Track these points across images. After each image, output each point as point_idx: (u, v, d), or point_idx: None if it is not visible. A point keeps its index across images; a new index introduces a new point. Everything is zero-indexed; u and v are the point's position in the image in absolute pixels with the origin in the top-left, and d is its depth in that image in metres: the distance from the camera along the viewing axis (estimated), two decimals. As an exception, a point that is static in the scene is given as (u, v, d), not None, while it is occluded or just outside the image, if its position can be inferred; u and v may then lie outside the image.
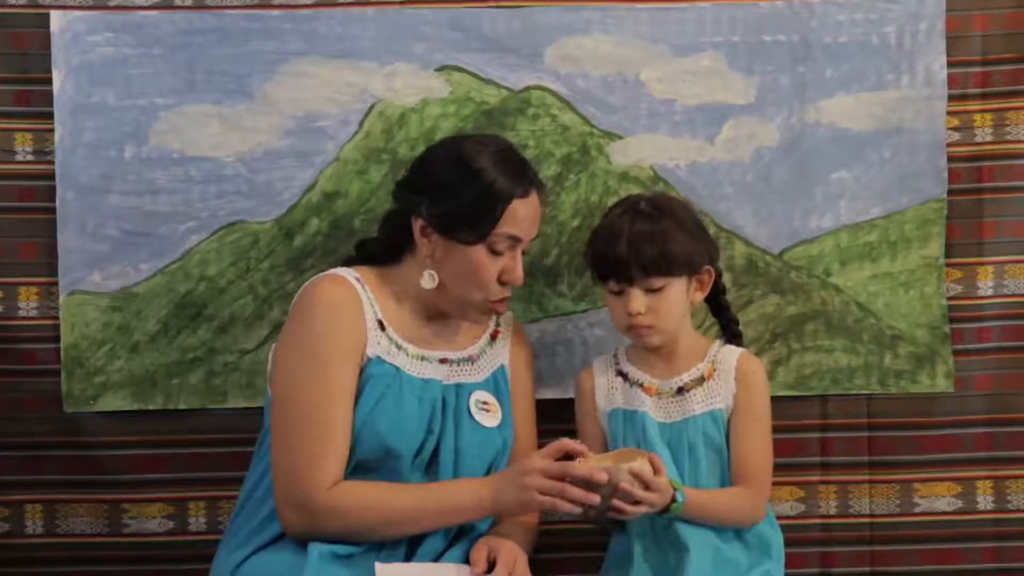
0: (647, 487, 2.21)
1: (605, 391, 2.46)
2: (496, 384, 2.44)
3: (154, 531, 2.70)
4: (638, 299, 2.35)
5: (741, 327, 2.54)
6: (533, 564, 2.64)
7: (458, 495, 2.27)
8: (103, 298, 2.67)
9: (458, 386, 2.39)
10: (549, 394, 2.67)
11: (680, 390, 2.41)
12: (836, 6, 2.67)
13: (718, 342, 2.47)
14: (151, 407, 2.67)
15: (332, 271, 2.38)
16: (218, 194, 2.67)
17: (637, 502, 2.21)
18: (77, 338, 2.66)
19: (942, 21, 2.66)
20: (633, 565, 2.34)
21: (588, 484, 2.19)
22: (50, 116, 2.65)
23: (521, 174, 2.34)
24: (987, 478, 2.71)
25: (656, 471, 2.23)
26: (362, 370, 2.31)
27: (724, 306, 2.51)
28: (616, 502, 2.20)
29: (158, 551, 2.69)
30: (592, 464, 2.22)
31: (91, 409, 2.67)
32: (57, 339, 2.66)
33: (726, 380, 2.40)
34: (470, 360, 2.43)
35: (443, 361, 2.39)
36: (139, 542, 2.70)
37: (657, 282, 2.34)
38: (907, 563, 2.71)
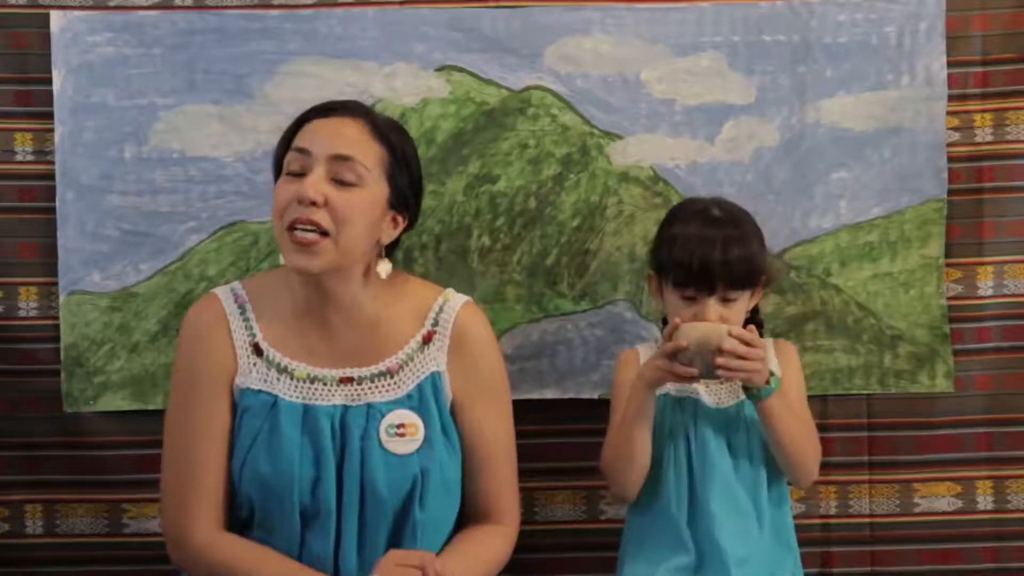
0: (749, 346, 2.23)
1: None
2: (421, 397, 2.21)
3: (154, 531, 2.69)
4: (713, 308, 2.32)
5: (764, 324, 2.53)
6: (533, 564, 2.65)
7: None
8: (103, 298, 2.67)
9: (369, 407, 2.18)
10: (549, 394, 2.67)
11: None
12: (836, 6, 2.67)
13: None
14: (151, 407, 2.67)
15: (215, 289, 2.29)
16: (218, 194, 2.67)
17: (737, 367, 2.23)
18: (77, 338, 2.66)
19: (942, 21, 2.66)
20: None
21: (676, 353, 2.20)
22: (50, 116, 2.65)
23: (326, 105, 2.23)
24: (987, 478, 2.71)
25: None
26: (236, 403, 2.19)
27: (756, 309, 2.49)
28: (721, 360, 2.21)
29: (158, 551, 2.67)
30: (686, 329, 2.23)
31: (91, 409, 2.67)
32: (57, 339, 2.66)
33: (771, 362, 2.39)
34: (387, 374, 2.21)
35: (346, 380, 2.20)
36: (139, 542, 2.70)
37: (734, 294, 2.33)
38: (907, 563, 2.71)
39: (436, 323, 2.26)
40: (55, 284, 2.66)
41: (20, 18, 2.64)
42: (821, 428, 2.67)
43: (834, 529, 2.72)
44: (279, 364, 2.21)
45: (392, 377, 2.22)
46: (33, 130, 2.67)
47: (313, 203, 2.12)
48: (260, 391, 2.18)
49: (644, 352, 2.45)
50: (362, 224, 2.16)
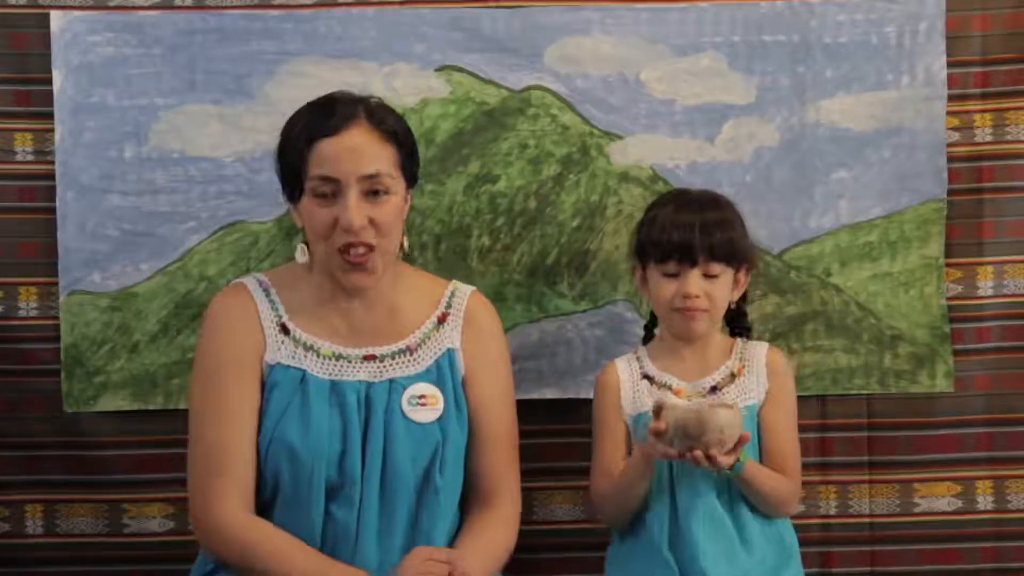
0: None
1: (630, 393, 2.42)
2: (439, 372, 2.30)
3: (154, 531, 2.70)
4: (696, 280, 2.34)
5: (752, 328, 2.53)
6: (533, 564, 2.65)
7: None
8: (103, 298, 2.67)
9: (391, 382, 2.27)
10: (549, 394, 2.68)
11: (713, 389, 2.39)
12: (836, 6, 2.67)
13: (740, 339, 2.46)
14: (151, 407, 2.67)
15: (237, 279, 2.37)
16: (218, 194, 2.67)
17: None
18: (77, 338, 2.66)
19: (942, 21, 2.66)
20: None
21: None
22: (50, 116, 2.65)
23: (327, 116, 2.23)
24: (987, 478, 2.71)
25: None
26: (265, 380, 2.26)
27: (742, 311, 2.49)
28: (696, 453, 2.19)
29: (158, 551, 2.69)
30: (667, 411, 2.22)
31: (91, 409, 2.67)
32: (57, 339, 2.66)
33: (758, 375, 2.39)
34: (407, 351, 2.30)
35: (369, 358, 2.29)
36: (139, 542, 2.70)
37: (716, 268, 2.34)
38: (907, 563, 2.71)
39: (449, 306, 2.36)
40: (55, 284, 2.66)
41: (20, 18, 2.64)
42: (821, 428, 2.69)
43: (834, 529, 2.71)
44: (305, 343, 2.28)
45: (412, 354, 2.30)
46: (33, 130, 2.67)
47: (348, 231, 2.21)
48: (289, 366, 2.26)
49: (621, 365, 2.45)
50: (398, 227, 2.28)
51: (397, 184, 2.25)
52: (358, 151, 2.22)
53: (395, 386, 2.27)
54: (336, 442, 2.22)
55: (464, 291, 2.38)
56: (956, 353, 2.69)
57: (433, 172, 2.66)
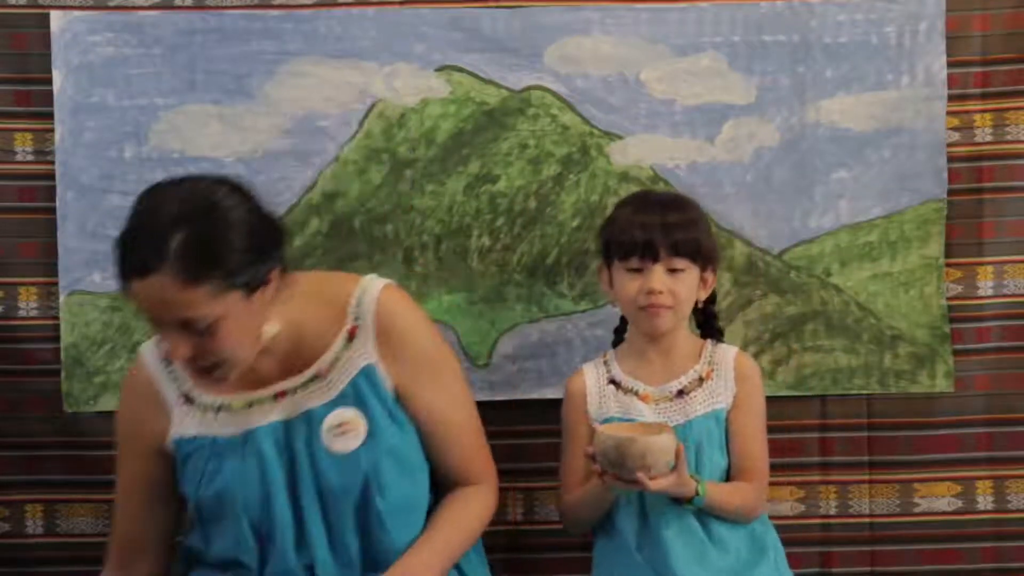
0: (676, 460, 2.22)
1: (596, 399, 2.42)
2: (356, 393, 2.17)
3: (154, 531, 2.70)
4: (659, 276, 2.34)
5: (724, 331, 2.53)
6: (533, 564, 2.65)
7: None
8: (103, 298, 2.67)
9: (307, 414, 2.16)
10: (550, 394, 2.67)
11: (680, 393, 2.40)
12: (836, 6, 2.67)
13: (710, 342, 2.46)
14: (151, 407, 2.67)
15: (141, 347, 2.28)
16: (218, 194, 2.66)
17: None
18: (77, 338, 2.66)
19: (942, 21, 2.66)
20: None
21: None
22: (50, 116, 2.65)
23: (130, 252, 2.01)
24: (987, 478, 2.71)
25: (676, 457, 2.23)
26: (175, 455, 2.21)
27: (713, 313, 2.50)
28: (640, 475, 2.18)
29: (158, 551, 2.69)
30: (616, 433, 2.22)
31: (91, 409, 2.67)
32: (57, 339, 2.66)
33: (726, 379, 2.40)
34: (318, 378, 2.18)
35: (280, 395, 2.18)
36: (139, 542, 2.70)
37: (680, 263, 2.34)
38: (907, 563, 2.71)
39: (357, 316, 2.20)
40: (55, 284, 2.66)
41: (20, 18, 2.65)
42: (821, 428, 2.69)
43: (834, 529, 2.71)
44: (211, 404, 2.21)
45: (324, 379, 2.19)
46: (33, 130, 2.67)
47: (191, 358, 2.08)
48: (196, 437, 2.20)
49: (588, 371, 2.46)
50: (240, 343, 2.09)
51: (224, 306, 2.02)
52: (162, 302, 2.00)
53: (312, 417, 2.16)
54: (256, 490, 2.15)
55: (372, 292, 2.21)
56: (956, 353, 2.69)
57: (433, 172, 2.66)
